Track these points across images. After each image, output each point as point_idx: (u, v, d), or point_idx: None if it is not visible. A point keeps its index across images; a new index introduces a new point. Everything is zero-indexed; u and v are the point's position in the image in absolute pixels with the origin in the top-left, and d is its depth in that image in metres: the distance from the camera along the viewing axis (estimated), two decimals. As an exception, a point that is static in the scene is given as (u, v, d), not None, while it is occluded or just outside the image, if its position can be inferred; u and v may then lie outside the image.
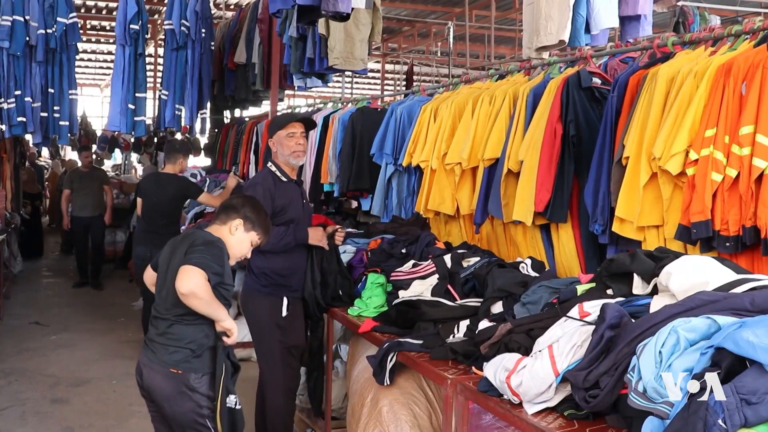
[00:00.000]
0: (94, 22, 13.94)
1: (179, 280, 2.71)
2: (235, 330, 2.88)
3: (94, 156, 16.83)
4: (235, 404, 2.89)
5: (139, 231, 6.50)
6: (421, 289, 3.30)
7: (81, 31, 7.78)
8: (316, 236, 3.85)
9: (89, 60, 18.37)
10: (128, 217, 10.17)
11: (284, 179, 3.87)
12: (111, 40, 12.71)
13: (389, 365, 2.92)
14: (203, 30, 7.55)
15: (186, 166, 6.75)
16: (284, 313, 3.83)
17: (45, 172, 15.04)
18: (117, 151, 16.87)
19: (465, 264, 3.39)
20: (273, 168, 3.90)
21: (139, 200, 6.34)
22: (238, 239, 3.02)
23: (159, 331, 2.91)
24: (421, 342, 2.90)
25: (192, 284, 2.70)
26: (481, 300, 3.05)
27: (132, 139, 14.87)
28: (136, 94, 7.28)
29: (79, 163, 9.89)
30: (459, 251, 3.56)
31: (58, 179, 13.30)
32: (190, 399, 2.84)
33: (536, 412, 2.08)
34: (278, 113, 7.88)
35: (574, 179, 3.32)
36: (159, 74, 10.04)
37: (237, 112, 10.06)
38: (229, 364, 2.91)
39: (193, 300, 2.73)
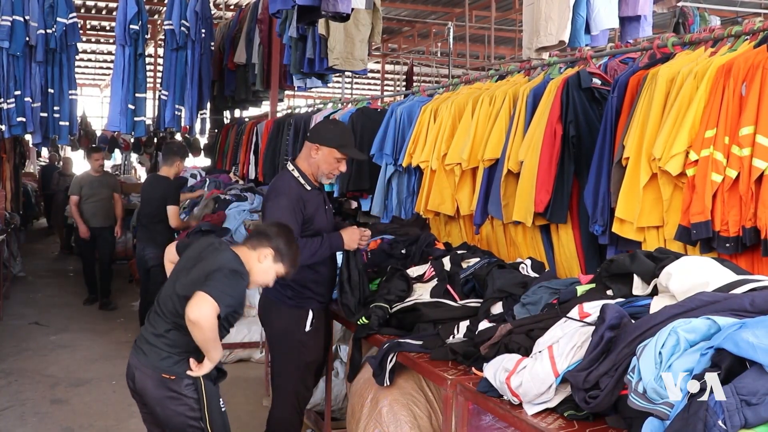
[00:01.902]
0: (94, 22, 13.95)
1: (191, 305, 2.66)
2: (205, 371, 2.85)
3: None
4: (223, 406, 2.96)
5: (137, 229, 6.96)
6: (421, 291, 3.30)
7: (81, 31, 7.79)
8: (353, 238, 3.52)
9: (89, 60, 18.38)
10: (128, 219, 10.18)
11: (308, 188, 3.57)
12: (111, 40, 12.71)
13: (389, 366, 2.91)
14: (203, 30, 7.56)
15: (182, 168, 6.85)
16: (308, 328, 3.57)
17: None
18: (117, 151, 16.89)
19: (465, 265, 3.39)
20: (296, 174, 3.57)
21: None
22: (264, 268, 2.96)
23: (156, 331, 2.88)
24: (420, 342, 2.89)
25: (201, 314, 2.65)
26: (481, 301, 3.05)
27: (132, 140, 14.88)
28: (136, 95, 7.29)
29: (89, 167, 8.73)
30: (459, 252, 3.56)
31: (54, 181, 13.23)
32: (181, 403, 2.83)
33: (536, 412, 2.08)
34: (278, 113, 7.89)
35: (574, 180, 3.32)
36: (159, 74, 10.04)
37: (237, 113, 10.07)
38: (213, 371, 2.92)
39: (195, 330, 2.69)
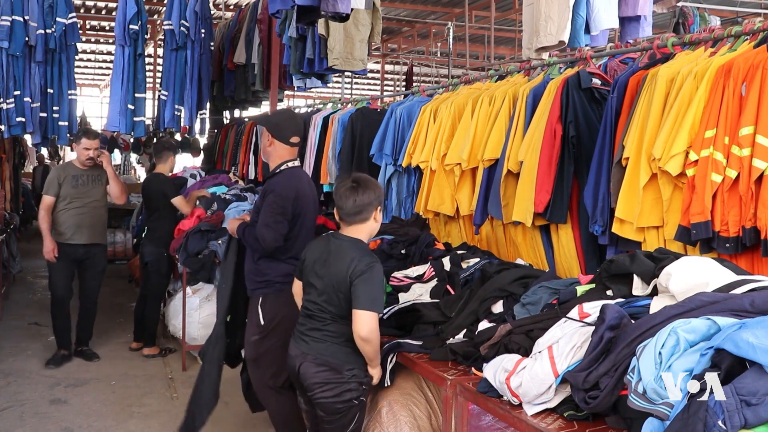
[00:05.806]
0: (94, 22, 13.93)
1: (359, 325, 2.79)
2: (377, 377, 2.97)
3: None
4: None
5: (137, 227, 6.98)
6: (421, 291, 3.30)
7: (81, 32, 7.78)
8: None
9: (89, 60, 18.37)
10: (127, 218, 10.18)
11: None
12: (111, 41, 12.71)
13: (389, 366, 2.92)
14: (203, 30, 7.56)
15: (174, 162, 6.88)
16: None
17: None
18: (116, 151, 16.89)
19: (464, 265, 3.39)
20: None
21: None
22: (379, 222, 3.04)
23: (312, 326, 2.98)
24: (420, 343, 2.90)
25: (369, 331, 2.79)
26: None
27: (131, 140, 14.88)
28: (136, 95, 7.28)
29: (73, 157, 6.18)
30: (459, 252, 3.56)
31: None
32: (341, 388, 2.91)
33: (536, 413, 2.08)
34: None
35: (573, 180, 3.32)
36: (158, 74, 10.03)
37: (236, 113, 10.07)
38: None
39: (366, 345, 2.83)
